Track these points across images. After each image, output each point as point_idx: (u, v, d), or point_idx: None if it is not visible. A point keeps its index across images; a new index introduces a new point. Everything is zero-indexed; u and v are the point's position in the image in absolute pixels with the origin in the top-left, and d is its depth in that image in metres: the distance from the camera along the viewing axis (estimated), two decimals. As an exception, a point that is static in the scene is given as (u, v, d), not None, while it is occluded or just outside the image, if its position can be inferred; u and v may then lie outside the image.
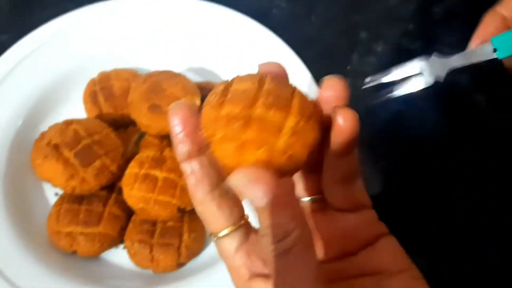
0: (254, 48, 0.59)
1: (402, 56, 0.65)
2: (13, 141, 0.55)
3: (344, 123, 0.26)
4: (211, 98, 0.26)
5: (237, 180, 0.23)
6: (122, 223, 0.51)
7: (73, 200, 0.51)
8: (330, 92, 0.27)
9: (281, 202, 0.23)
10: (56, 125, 0.53)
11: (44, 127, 0.54)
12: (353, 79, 0.63)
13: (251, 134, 0.24)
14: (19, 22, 0.65)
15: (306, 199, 0.31)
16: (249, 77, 0.27)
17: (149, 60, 0.60)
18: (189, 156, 0.27)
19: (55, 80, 0.58)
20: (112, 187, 0.52)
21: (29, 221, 0.52)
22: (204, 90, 0.55)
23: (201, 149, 0.26)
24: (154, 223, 0.50)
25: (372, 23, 0.67)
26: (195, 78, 0.59)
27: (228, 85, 0.26)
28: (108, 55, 0.59)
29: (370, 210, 0.30)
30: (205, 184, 0.27)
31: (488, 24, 0.41)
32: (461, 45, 0.65)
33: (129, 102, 0.54)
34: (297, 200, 0.28)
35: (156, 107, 0.52)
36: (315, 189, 0.30)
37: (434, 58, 0.42)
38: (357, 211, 0.30)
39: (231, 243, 0.27)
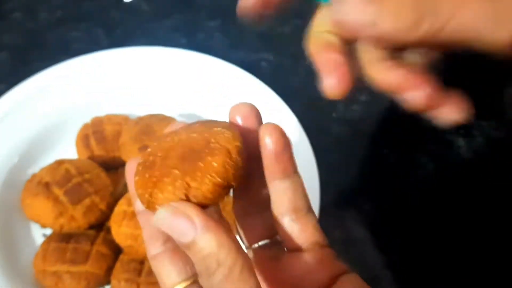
0: (243, 96, 0.61)
1: (384, 104, 0.68)
2: (4, 182, 0.55)
3: (270, 137, 0.26)
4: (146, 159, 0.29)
5: (160, 215, 0.24)
6: (110, 263, 0.51)
7: (61, 239, 0.51)
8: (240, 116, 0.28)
9: (206, 230, 0.23)
10: (47, 166, 0.54)
11: (36, 169, 0.55)
12: (339, 125, 0.65)
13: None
14: (17, 73, 0.68)
15: (256, 245, 0.30)
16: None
17: (141, 106, 0.62)
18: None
19: (49, 124, 0.59)
20: (100, 226, 0.52)
21: (15, 260, 0.51)
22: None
23: None
24: (141, 262, 0.50)
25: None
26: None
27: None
28: (101, 102, 0.61)
29: (327, 249, 0.29)
30: (159, 237, 0.27)
31: None
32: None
33: (120, 144, 0.56)
34: (224, 226, 0.26)
35: (147, 147, 0.53)
36: (265, 233, 0.30)
37: None
38: (313, 249, 0.28)
39: None
